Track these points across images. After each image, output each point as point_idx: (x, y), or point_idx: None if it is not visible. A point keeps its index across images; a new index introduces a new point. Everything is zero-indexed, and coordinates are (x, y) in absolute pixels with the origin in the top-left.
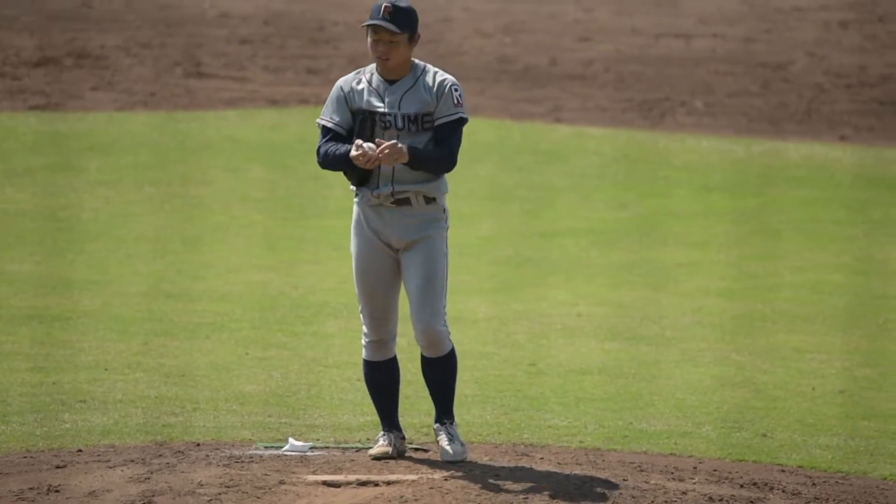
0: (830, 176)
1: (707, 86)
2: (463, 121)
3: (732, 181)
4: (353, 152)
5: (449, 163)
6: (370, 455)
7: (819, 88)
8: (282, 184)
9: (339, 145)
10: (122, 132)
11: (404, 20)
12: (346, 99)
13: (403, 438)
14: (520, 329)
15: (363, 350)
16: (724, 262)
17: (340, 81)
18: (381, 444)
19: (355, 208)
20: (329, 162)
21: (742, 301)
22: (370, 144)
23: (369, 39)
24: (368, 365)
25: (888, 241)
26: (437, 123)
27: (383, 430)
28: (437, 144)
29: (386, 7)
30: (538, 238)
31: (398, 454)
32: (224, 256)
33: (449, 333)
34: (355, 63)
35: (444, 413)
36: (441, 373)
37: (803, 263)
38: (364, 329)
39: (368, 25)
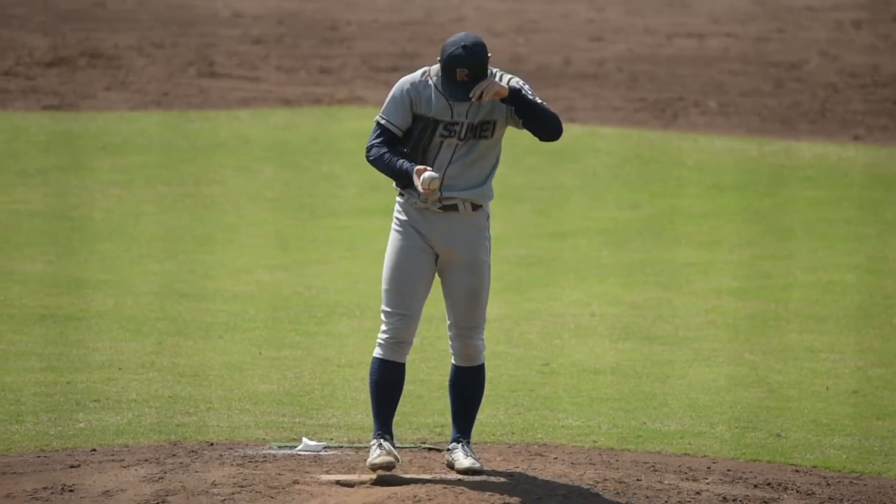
0: (843, 176)
1: (720, 85)
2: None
3: (745, 181)
4: (420, 185)
5: (556, 119)
6: (371, 465)
7: (832, 88)
8: (294, 184)
9: (397, 157)
10: (135, 132)
11: (483, 63)
12: (412, 102)
13: (394, 446)
14: (532, 329)
15: (377, 348)
16: (737, 262)
17: (406, 81)
18: (382, 453)
19: (397, 206)
20: (383, 168)
21: (755, 301)
22: (433, 175)
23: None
24: (380, 363)
25: None
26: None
27: (377, 436)
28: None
29: (461, 72)
30: (550, 238)
31: (398, 461)
32: (236, 256)
33: (485, 347)
34: (368, 63)
35: (463, 432)
36: (470, 383)
37: (816, 263)
38: (384, 327)
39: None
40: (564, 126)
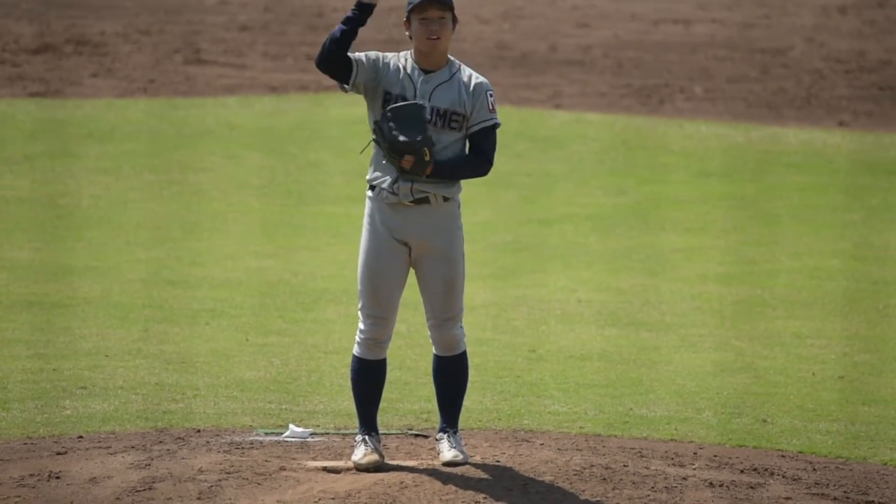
0: (829, 162)
1: (706, 71)
2: (497, 125)
3: (731, 167)
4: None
5: (486, 168)
6: (355, 462)
7: (818, 74)
8: (280, 170)
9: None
10: (122, 119)
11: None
12: (381, 69)
13: (380, 441)
14: (519, 315)
15: (356, 346)
16: (723, 248)
17: (386, 53)
18: (368, 452)
19: (368, 203)
20: (329, 42)
21: (741, 287)
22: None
23: (414, 24)
24: (359, 362)
25: (886, 227)
26: (472, 130)
27: (362, 432)
28: (472, 151)
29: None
30: (536, 224)
31: (383, 458)
32: (223, 243)
33: (464, 335)
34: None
35: (450, 422)
36: (453, 371)
37: (802, 249)
38: (361, 326)
39: (416, 7)
40: (551, 112)
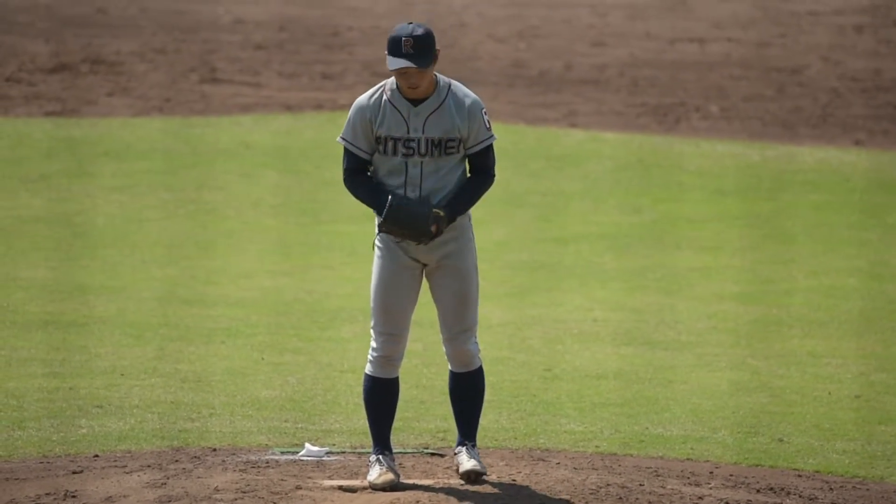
0: (845, 180)
1: (721, 90)
2: (493, 140)
3: (746, 186)
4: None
5: (490, 182)
6: (371, 483)
7: (834, 93)
8: (296, 189)
9: (370, 187)
10: (137, 138)
11: (426, 51)
12: (370, 124)
13: (394, 460)
14: (535, 334)
15: (368, 365)
16: (739, 267)
17: (360, 103)
18: (383, 472)
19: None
20: (358, 198)
21: (757, 306)
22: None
23: (394, 71)
24: (372, 381)
25: None
26: (472, 151)
27: (375, 451)
28: (474, 171)
29: (406, 41)
30: (552, 243)
31: (398, 477)
32: (238, 262)
33: (479, 350)
34: (370, 68)
35: (468, 435)
36: (468, 387)
37: (817, 268)
38: (373, 344)
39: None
40: (566, 130)
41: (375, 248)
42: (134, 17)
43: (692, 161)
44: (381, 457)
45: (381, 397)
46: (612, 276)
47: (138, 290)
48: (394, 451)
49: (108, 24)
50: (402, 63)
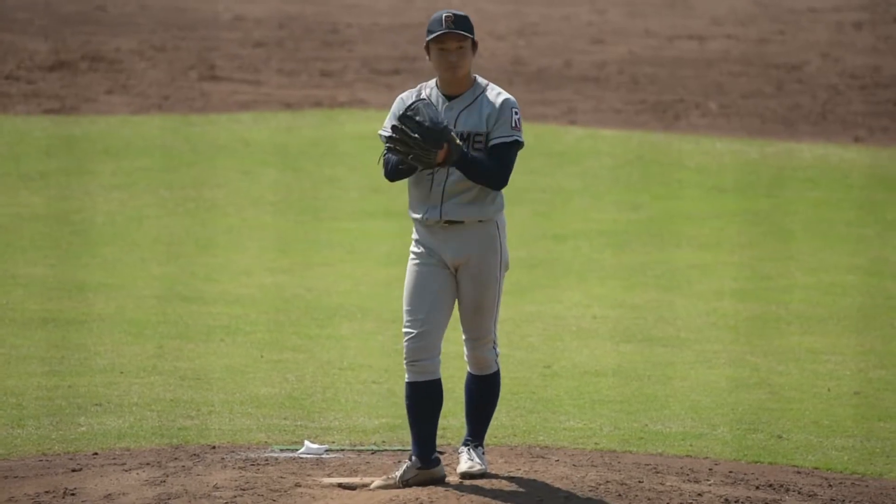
0: (844, 177)
1: (721, 87)
2: (519, 144)
3: (745, 182)
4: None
5: (499, 179)
6: (399, 478)
7: (833, 90)
8: (295, 186)
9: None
10: (136, 135)
11: (468, 26)
12: None
13: (440, 463)
14: (534, 331)
15: (405, 372)
16: (738, 264)
17: (401, 97)
18: (387, 478)
19: (414, 225)
20: (393, 172)
21: (756, 302)
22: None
23: (433, 53)
24: (407, 386)
25: None
26: (491, 143)
27: (413, 458)
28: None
29: (448, 17)
30: (551, 240)
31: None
32: (237, 259)
33: (497, 356)
34: (369, 66)
35: (475, 435)
36: (482, 390)
37: (817, 265)
38: (404, 350)
39: (434, 38)
40: (565, 127)
41: (410, 253)
42: (133, 15)
43: (691, 158)
44: (409, 461)
45: (411, 400)
46: (611, 273)
47: (137, 288)
48: (395, 448)
49: (107, 21)
50: (444, 31)
